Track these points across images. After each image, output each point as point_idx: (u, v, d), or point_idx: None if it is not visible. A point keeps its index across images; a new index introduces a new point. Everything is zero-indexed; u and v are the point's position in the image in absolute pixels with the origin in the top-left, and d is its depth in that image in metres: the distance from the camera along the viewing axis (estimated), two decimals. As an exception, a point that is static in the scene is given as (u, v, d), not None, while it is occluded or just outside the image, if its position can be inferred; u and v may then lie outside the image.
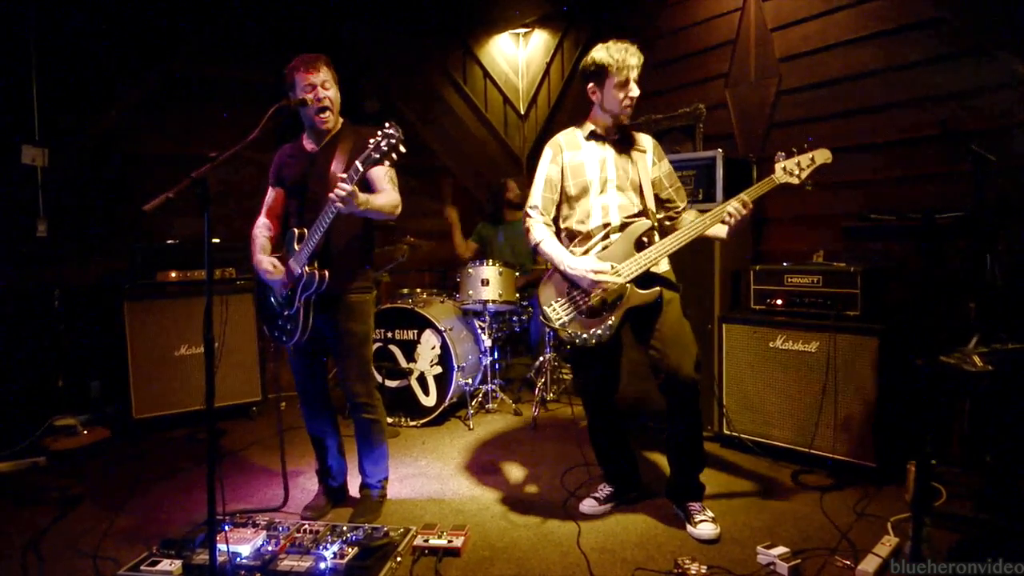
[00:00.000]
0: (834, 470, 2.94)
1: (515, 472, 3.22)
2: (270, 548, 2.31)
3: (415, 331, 4.05)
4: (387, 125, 2.28)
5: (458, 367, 3.90)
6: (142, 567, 2.22)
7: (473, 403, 4.14)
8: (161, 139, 4.60)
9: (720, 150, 3.61)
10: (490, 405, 4.29)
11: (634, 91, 2.50)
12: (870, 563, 2.16)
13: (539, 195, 2.62)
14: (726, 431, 3.35)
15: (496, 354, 4.43)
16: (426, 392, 4.03)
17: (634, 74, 2.48)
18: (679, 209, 2.64)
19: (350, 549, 2.28)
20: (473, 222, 5.21)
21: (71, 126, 4.27)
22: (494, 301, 4.13)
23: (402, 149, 2.29)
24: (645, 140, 2.66)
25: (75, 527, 2.68)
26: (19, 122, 4.01)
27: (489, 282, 4.13)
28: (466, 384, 4.07)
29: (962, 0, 3.17)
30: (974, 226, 2.72)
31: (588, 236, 2.56)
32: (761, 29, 4.05)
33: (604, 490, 2.80)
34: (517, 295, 4.32)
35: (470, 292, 4.16)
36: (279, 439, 3.00)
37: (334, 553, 2.25)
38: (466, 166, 6.09)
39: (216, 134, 4.51)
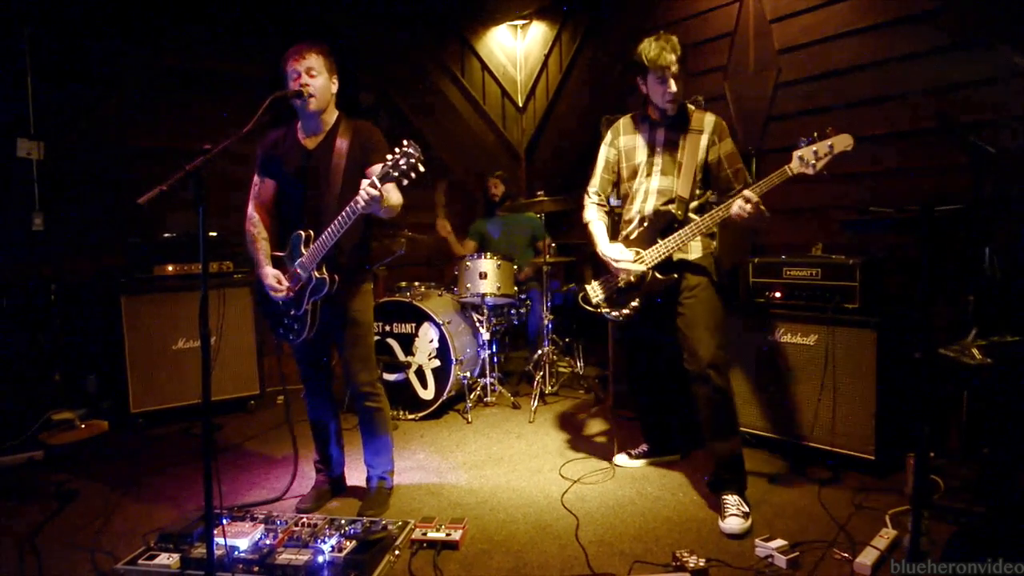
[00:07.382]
0: (832, 463, 2.94)
1: (513, 465, 3.21)
2: (268, 542, 2.30)
3: (413, 324, 4.05)
4: (406, 143, 2.20)
5: (456, 360, 3.90)
6: (140, 561, 2.22)
7: (471, 396, 4.13)
8: (156, 132, 4.58)
9: (719, 142, 3.60)
10: (488, 398, 4.28)
11: (672, 87, 2.55)
12: (868, 556, 2.16)
13: (597, 177, 2.88)
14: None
15: (494, 347, 4.42)
16: (424, 385, 4.03)
17: (672, 71, 2.52)
18: (734, 192, 2.57)
19: (348, 542, 2.28)
20: (470, 217, 5.19)
21: (67, 119, 4.25)
22: (492, 294, 4.13)
23: (421, 169, 2.22)
24: (706, 121, 2.64)
25: (72, 521, 2.68)
26: (14, 115, 3.99)
27: (487, 275, 4.12)
28: (464, 377, 4.06)
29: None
30: (973, 219, 2.71)
31: (629, 222, 2.79)
32: (760, 21, 4.03)
33: (640, 447, 3.08)
34: (515, 288, 4.31)
35: (468, 285, 4.16)
36: (289, 428, 3.02)
37: (332, 546, 2.25)
38: (464, 159, 6.07)
39: (211, 127, 4.48)
